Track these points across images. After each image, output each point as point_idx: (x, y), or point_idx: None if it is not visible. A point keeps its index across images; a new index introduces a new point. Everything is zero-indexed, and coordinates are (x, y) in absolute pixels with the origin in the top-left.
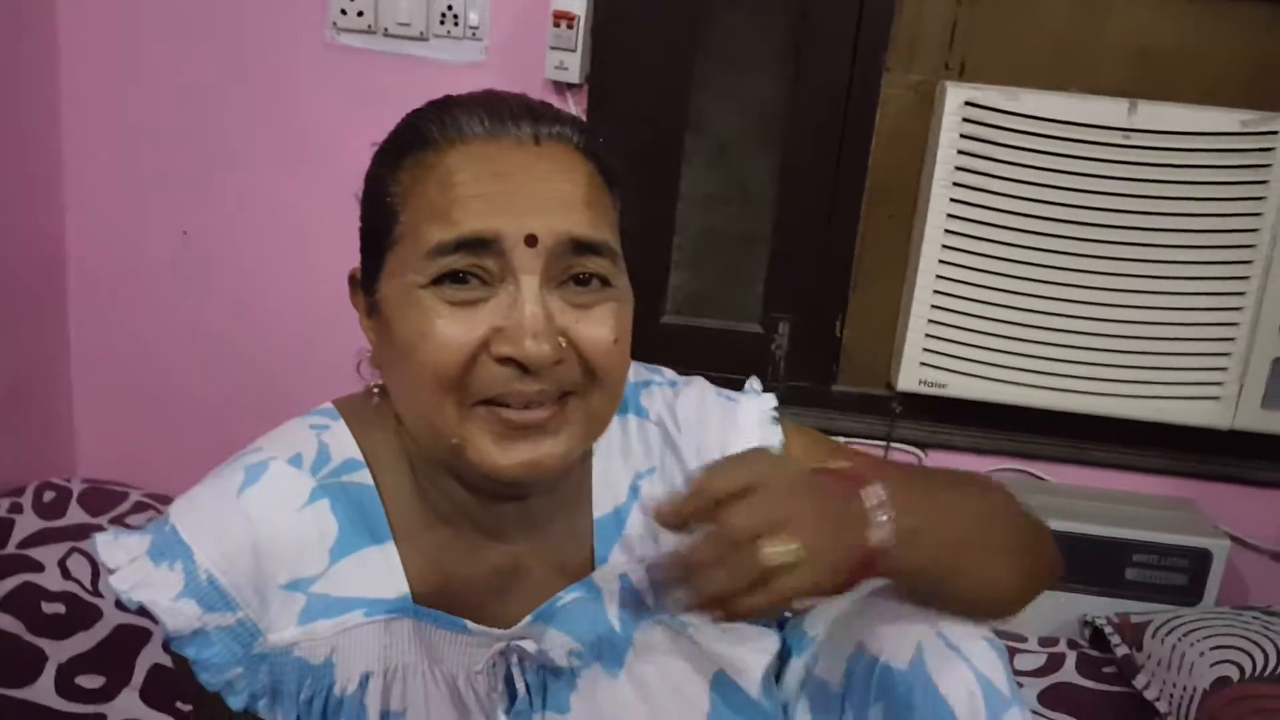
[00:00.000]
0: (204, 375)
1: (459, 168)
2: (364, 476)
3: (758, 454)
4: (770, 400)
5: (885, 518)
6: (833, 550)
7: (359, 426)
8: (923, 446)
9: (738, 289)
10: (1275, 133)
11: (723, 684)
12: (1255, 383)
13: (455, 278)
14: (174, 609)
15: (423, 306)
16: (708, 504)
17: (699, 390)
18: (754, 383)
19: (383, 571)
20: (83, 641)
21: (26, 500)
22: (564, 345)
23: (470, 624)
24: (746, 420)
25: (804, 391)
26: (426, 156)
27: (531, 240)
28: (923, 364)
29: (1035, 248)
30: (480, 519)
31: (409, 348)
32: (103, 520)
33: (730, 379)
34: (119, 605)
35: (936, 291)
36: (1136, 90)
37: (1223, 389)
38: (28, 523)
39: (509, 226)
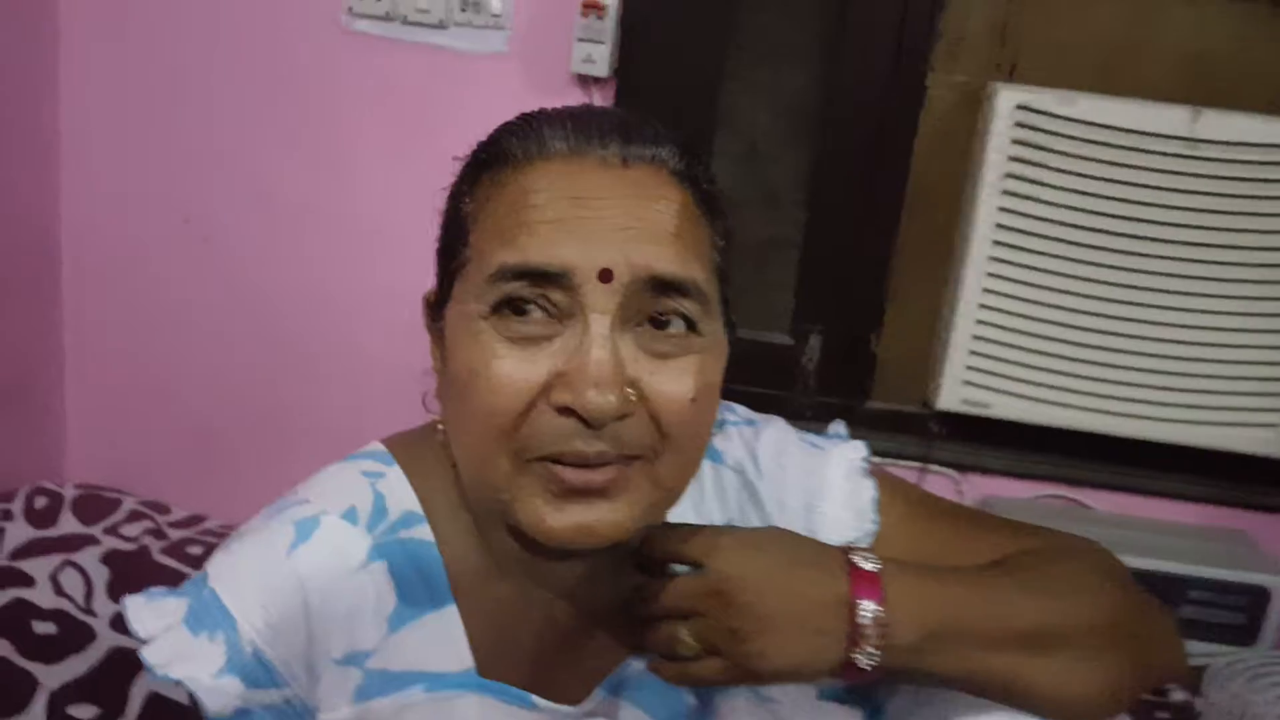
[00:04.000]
0: (204, 375)
1: (534, 187)
2: (424, 531)
3: (742, 540)
4: (860, 449)
5: (877, 642)
6: (784, 656)
7: (416, 472)
8: (961, 469)
9: (766, 297)
10: None
11: None
12: None
13: (516, 309)
14: (215, 687)
15: (479, 340)
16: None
17: (779, 432)
18: (839, 426)
19: (444, 640)
20: (76, 666)
21: (17, 507)
22: (633, 398)
23: (537, 699)
24: (834, 472)
25: (835, 408)
26: (503, 173)
27: (606, 275)
28: (966, 382)
29: (1088, 261)
30: (540, 575)
31: (464, 386)
32: (96, 530)
33: (756, 394)
34: (114, 627)
35: (983, 306)
36: (1194, 96)
37: None
38: (18, 532)
39: (581, 258)
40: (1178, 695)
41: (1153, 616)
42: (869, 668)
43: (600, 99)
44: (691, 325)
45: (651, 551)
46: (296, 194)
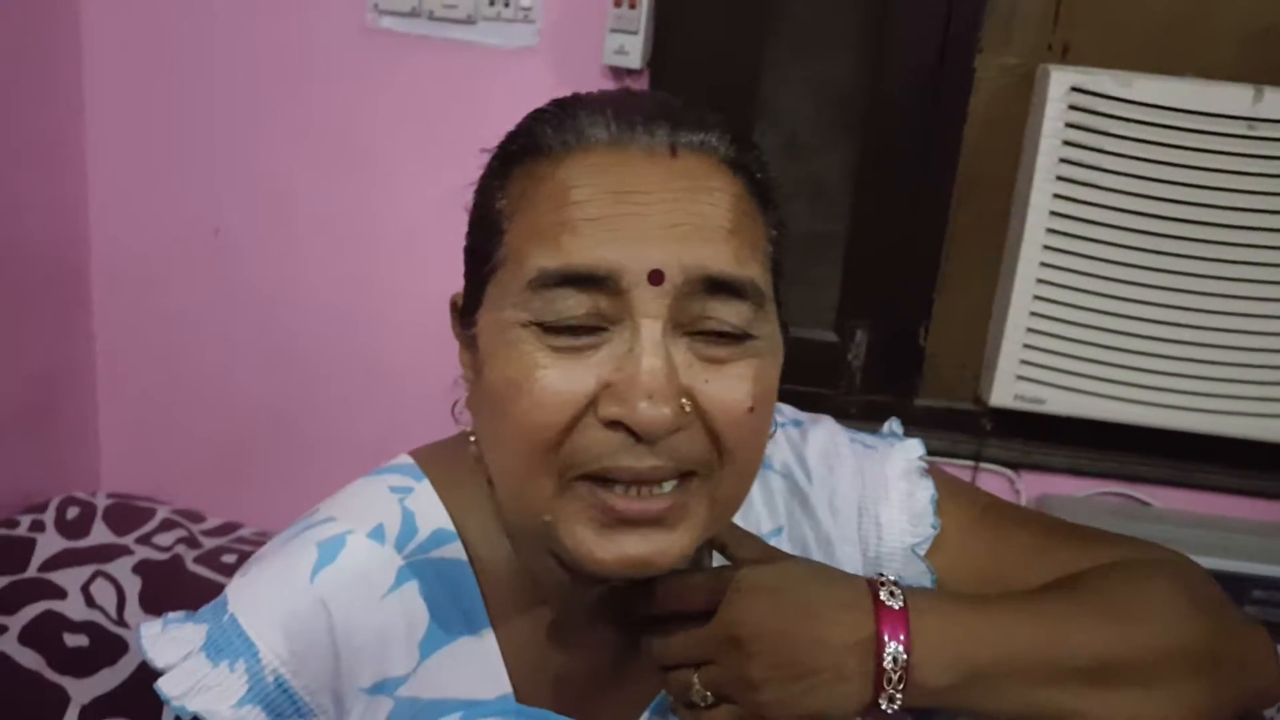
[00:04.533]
0: (236, 384)
1: (575, 182)
2: (456, 550)
3: (756, 583)
4: (916, 447)
5: (899, 686)
6: (801, 705)
7: (447, 486)
8: (1015, 467)
9: (809, 292)
10: None
11: None
12: None
13: (560, 316)
14: (236, 718)
15: (520, 350)
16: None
17: (828, 433)
18: (894, 424)
19: (480, 666)
20: (107, 680)
21: (49, 517)
22: (687, 409)
23: None
24: (888, 472)
25: (883, 406)
26: (539, 165)
27: (657, 278)
28: (1019, 377)
29: (1148, 249)
30: (582, 598)
31: (502, 400)
32: (128, 540)
33: (799, 392)
34: None
35: (1037, 297)
36: (1258, 75)
37: None
38: (50, 543)
39: (629, 259)
40: None
41: (1243, 639)
42: (892, 712)
43: None
44: (747, 327)
45: (658, 603)
46: (325, 201)
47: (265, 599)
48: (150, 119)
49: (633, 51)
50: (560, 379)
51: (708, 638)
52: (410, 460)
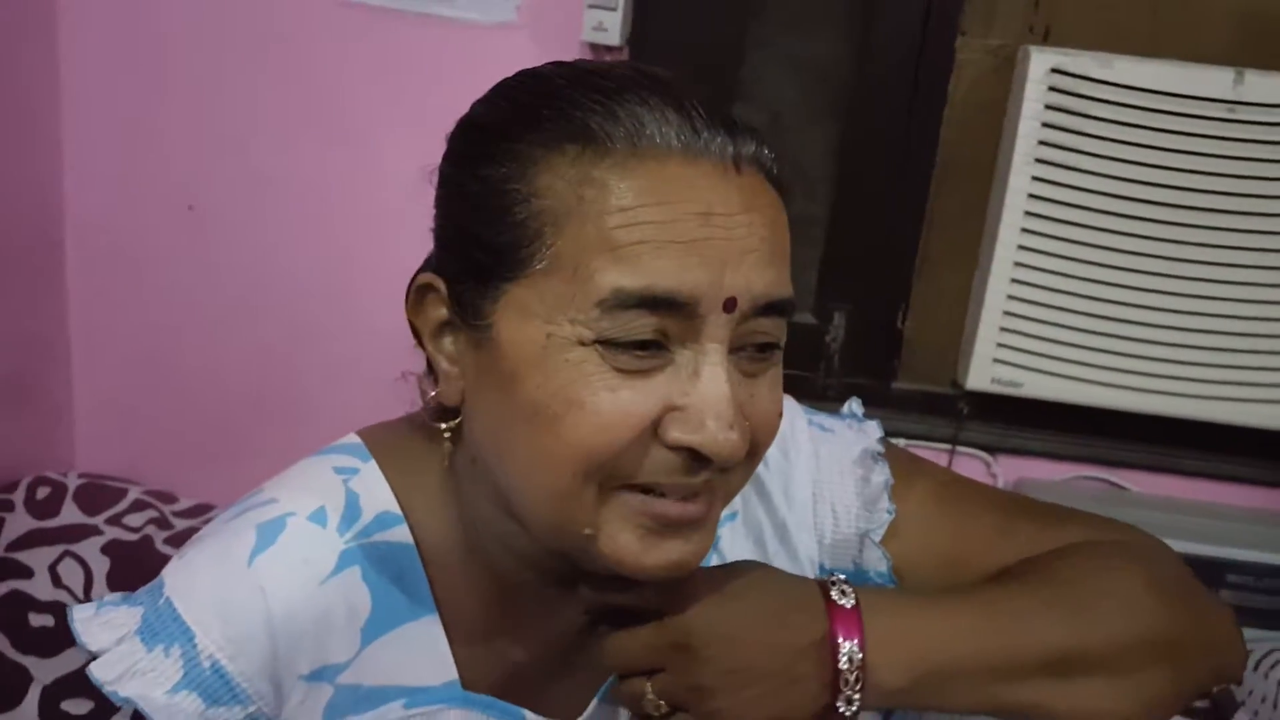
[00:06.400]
0: (212, 362)
1: (653, 196)
2: (402, 533)
3: (705, 585)
4: (875, 430)
5: (856, 687)
6: (755, 711)
7: (394, 469)
8: (992, 451)
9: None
10: None
11: None
12: None
13: (635, 339)
14: (170, 705)
15: (582, 369)
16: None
17: (786, 415)
18: (854, 404)
19: (425, 652)
20: (71, 659)
21: (18, 497)
22: (747, 429)
23: (530, 715)
24: (844, 456)
25: (861, 389)
26: (600, 167)
27: (731, 305)
28: (996, 360)
29: (1127, 233)
30: (552, 586)
31: (550, 414)
32: (98, 521)
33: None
34: None
35: (1014, 280)
36: (1241, 58)
37: None
38: (18, 522)
39: (708, 286)
40: (1217, 685)
41: (1206, 620)
42: (850, 714)
43: None
44: (780, 339)
45: (605, 603)
46: (301, 177)
47: (202, 583)
48: (125, 94)
49: (612, 28)
50: (628, 401)
51: (658, 644)
52: (358, 440)
